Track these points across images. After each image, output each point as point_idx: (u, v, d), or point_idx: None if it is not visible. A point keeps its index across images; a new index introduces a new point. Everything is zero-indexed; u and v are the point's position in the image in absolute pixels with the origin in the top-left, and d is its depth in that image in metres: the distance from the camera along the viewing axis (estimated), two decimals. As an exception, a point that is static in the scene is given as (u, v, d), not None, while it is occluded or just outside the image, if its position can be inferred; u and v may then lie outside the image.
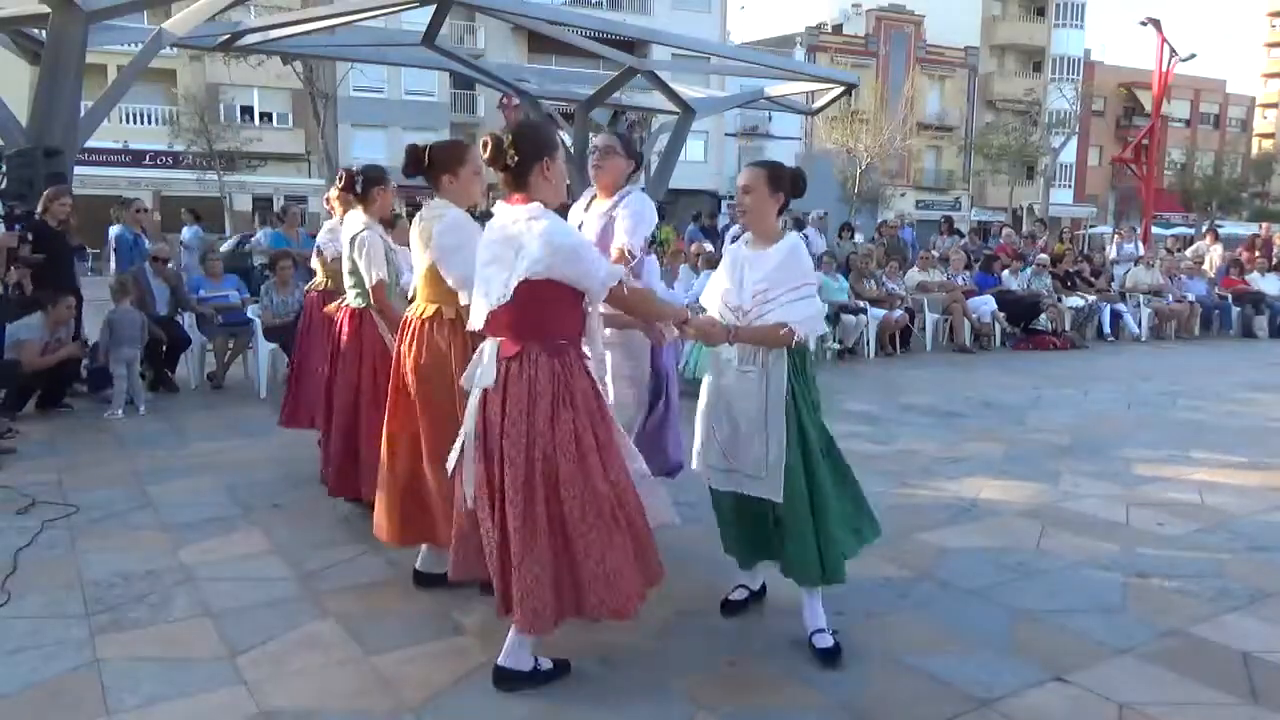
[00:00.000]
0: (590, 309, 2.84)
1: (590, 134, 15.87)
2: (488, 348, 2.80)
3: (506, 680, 2.87)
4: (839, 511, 3.19)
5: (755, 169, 3.28)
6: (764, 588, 3.60)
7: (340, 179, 4.39)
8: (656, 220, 3.92)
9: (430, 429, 3.44)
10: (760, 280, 3.17)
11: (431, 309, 3.48)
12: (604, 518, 2.76)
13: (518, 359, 2.72)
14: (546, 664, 2.93)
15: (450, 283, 3.37)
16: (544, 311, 2.71)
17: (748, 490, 3.21)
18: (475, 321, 2.86)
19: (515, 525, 2.72)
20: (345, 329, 4.46)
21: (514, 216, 2.75)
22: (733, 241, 3.52)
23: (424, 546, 3.63)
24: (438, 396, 3.41)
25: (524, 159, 2.74)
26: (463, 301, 3.35)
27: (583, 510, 2.73)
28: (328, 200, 5.62)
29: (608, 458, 2.81)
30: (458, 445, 2.91)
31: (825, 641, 3.16)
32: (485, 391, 2.79)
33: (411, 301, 3.65)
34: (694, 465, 3.44)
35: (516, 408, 2.70)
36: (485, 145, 2.79)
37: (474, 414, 2.82)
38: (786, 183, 3.27)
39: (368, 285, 4.22)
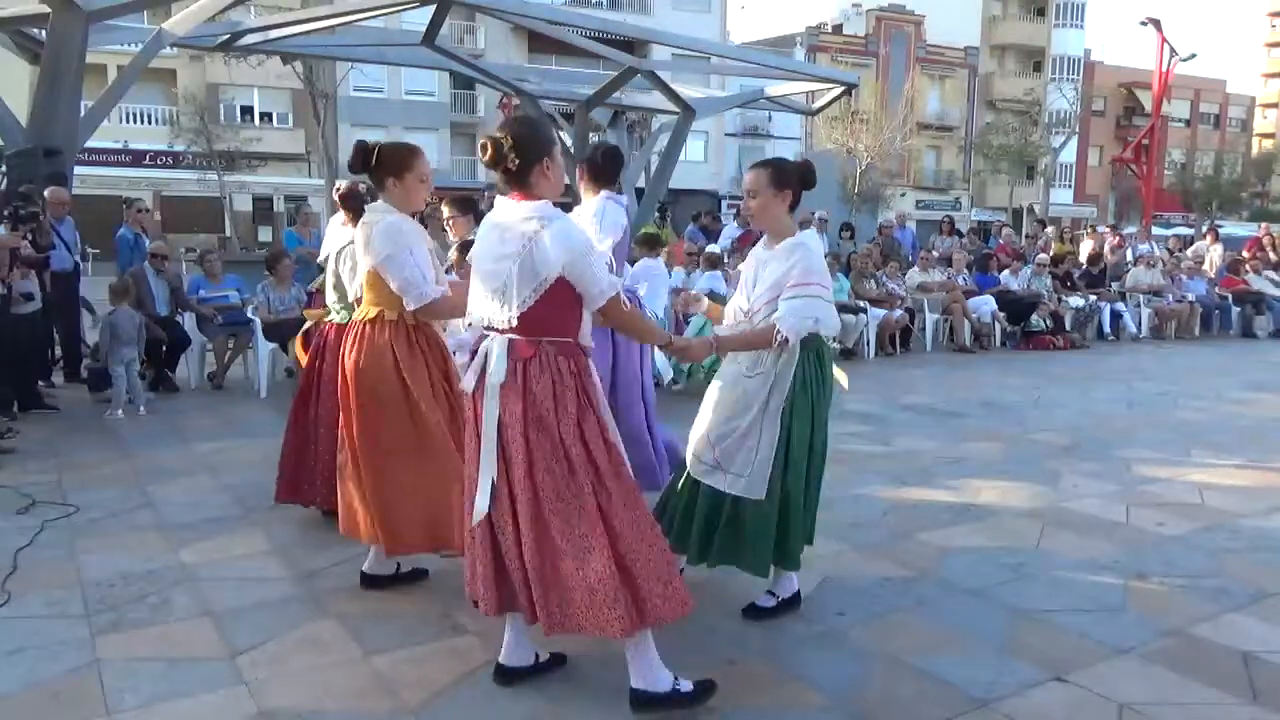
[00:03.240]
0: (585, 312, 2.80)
1: (590, 134, 15.91)
2: (496, 345, 2.72)
3: (646, 705, 2.75)
4: (798, 512, 3.27)
5: (757, 171, 3.25)
6: (798, 596, 3.50)
7: (337, 191, 4.36)
8: (621, 225, 3.93)
9: (361, 430, 3.44)
10: (768, 281, 3.16)
11: (374, 312, 3.48)
12: (596, 525, 2.68)
13: (535, 359, 2.68)
14: (687, 685, 2.79)
15: (394, 287, 3.34)
16: (554, 310, 2.68)
17: (727, 488, 3.22)
18: (482, 318, 2.77)
19: (557, 528, 2.66)
20: (328, 345, 4.30)
21: (521, 214, 2.69)
22: (728, 242, 3.54)
23: (372, 547, 3.64)
24: (374, 398, 3.42)
25: (525, 160, 2.70)
26: (408, 306, 3.36)
27: (596, 521, 2.67)
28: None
29: (619, 462, 2.76)
30: (481, 465, 2.76)
31: (765, 601, 3.37)
32: (500, 393, 2.71)
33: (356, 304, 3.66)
34: (686, 453, 3.42)
35: (543, 407, 2.66)
36: (485, 149, 2.73)
37: (494, 412, 2.72)
38: (793, 178, 3.23)
39: (350, 298, 4.12)
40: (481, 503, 2.73)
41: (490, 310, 2.76)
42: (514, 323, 2.69)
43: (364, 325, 3.49)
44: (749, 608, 3.41)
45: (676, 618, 2.74)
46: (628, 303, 2.90)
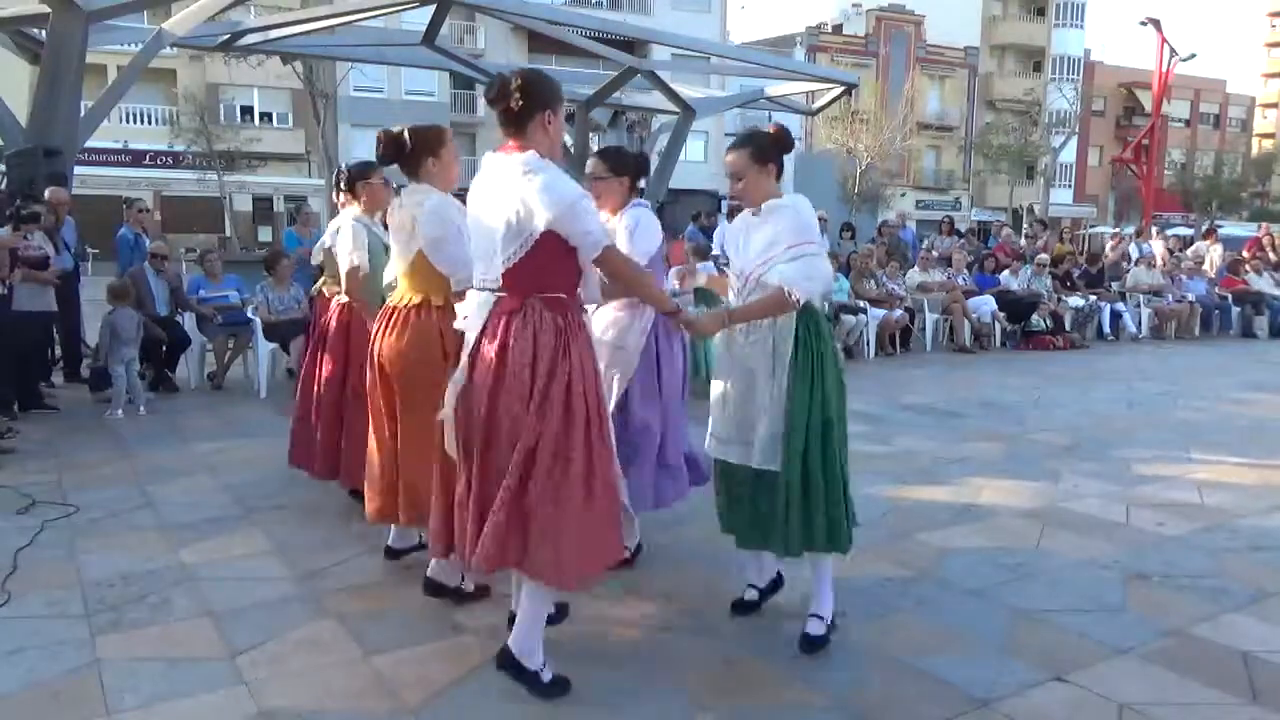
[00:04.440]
0: (584, 265, 2.76)
1: (591, 134, 15.91)
2: (480, 297, 2.73)
3: (510, 668, 2.80)
4: (820, 491, 3.11)
5: (737, 151, 3.16)
6: (778, 580, 3.53)
7: (334, 180, 4.49)
8: (658, 234, 3.78)
9: (415, 418, 3.40)
10: (762, 243, 3.11)
11: (419, 298, 3.43)
12: (574, 480, 2.69)
13: (520, 313, 2.66)
14: (549, 674, 2.83)
15: (442, 268, 3.30)
16: (544, 264, 2.65)
17: (749, 461, 3.15)
18: (477, 276, 2.79)
19: (508, 481, 2.66)
20: (334, 322, 4.49)
21: (509, 167, 2.66)
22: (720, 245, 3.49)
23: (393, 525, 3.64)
24: (425, 385, 3.36)
25: (529, 104, 2.66)
26: (454, 287, 3.30)
27: (553, 465, 2.66)
28: (337, 194, 5.54)
29: (595, 421, 2.74)
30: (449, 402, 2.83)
31: (815, 628, 3.17)
32: (479, 345, 2.72)
33: (390, 289, 3.63)
34: (707, 442, 3.37)
35: (519, 361, 2.64)
36: (491, 85, 2.71)
37: (463, 366, 2.75)
38: (772, 149, 3.16)
39: (341, 271, 4.20)
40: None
41: (482, 267, 2.75)
42: (502, 279, 2.67)
43: (409, 310, 3.43)
44: (803, 640, 3.17)
45: (569, 584, 2.77)
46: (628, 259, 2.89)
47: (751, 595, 3.48)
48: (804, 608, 3.43)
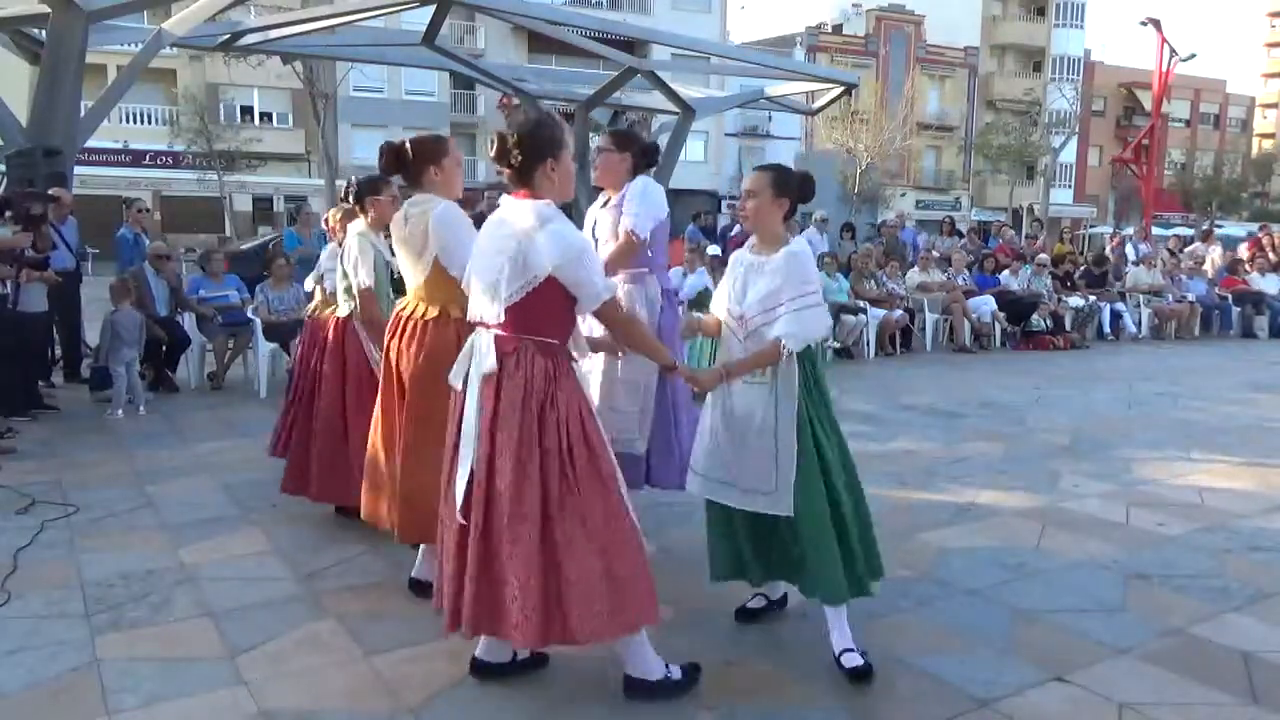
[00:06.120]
0: (578, 316, 2.80)
1: (591, 134, 15.90)
2: (483, 338, 2.75)
3: (639, 690, 2.81)
4: (857, 528, 3.10)
5: (761, 173, 3.22)
6: (785, 598, 3.50)
7: (341, 191, 4.43)
8: (665, 205, 3.89)
9: (419, 428, 3.39)
10: (763, 291, 3.11)
11: (435, 310, 3.40)
12: (583, 529, 2.67)
13: (513, 355, 2.70)
14: (676, 672, 2.86)
15: (456, 274, 3.25)
16: (541, 310, 2.69)
17: (752, 507, 3.11)
18: (476, 313, 2.80)
19: (500, 525, 2.65)
20: (331, 336, 4.42)
21: (522, 212, 2.71)
22: (731, 239, 3.51)
23: (420, 551, 3.60)
24: (437, 398, 3.31)
25: (528, 159, 2.73)
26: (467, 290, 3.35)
27: (563, 518, 2.65)
28: (326, 222, 5.34)
29: (592, 467, 2.72)
30: (453, 443, 2.84)
31: (853, 661, 3.04)
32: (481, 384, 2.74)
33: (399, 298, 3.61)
34: (688, 480, 3.33)
35: (509, 404, 2.67)
36: (491, 143, 2.79)
37: (475, 405, 2.74)
38: (793, 187, 3.19)
39: (355, 290, 4.12)
40: (458, 496, 2.74)
41: (481, 305, 2.78)
42: (501, 318, 2.71)
43: (428, 322, 3.39)
44: (852, 672, 3.06)
45: (601, 640, 2.72)
46: (628, 309, 2.90)
47: (758, 603, 3.45)
48: (810, 610, 3.44)
